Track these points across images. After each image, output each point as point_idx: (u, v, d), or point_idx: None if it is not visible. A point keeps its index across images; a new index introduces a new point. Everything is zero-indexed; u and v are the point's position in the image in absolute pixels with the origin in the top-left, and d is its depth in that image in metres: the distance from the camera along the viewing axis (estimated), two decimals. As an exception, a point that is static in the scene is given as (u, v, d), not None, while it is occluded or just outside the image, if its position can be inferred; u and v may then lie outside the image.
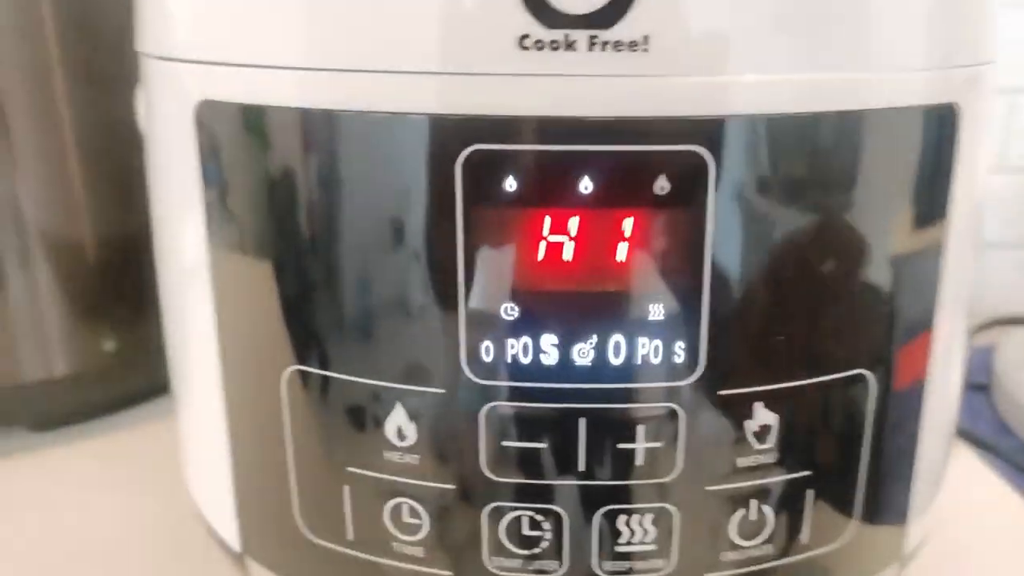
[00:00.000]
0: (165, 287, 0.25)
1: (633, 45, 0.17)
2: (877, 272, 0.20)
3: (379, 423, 0.20)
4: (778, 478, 0.21)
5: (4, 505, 0.37)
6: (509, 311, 0.19)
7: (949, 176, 0.20)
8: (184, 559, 0.33)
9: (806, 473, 0.21)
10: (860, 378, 0.20)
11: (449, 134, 0.18)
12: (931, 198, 0.20)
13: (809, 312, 0.20)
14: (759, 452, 0.20)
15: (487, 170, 0.18)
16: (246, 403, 0.22)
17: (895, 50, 0.19)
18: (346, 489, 0.21)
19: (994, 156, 0.68)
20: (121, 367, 0.43)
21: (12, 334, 0.41)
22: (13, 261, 0.40)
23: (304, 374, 0.21)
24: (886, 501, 0.22)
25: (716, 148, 0.18)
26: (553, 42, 0.17)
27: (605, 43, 0.17)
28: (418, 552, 0.21)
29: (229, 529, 0.24)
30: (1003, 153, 0.69)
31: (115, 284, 0.43)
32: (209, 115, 0.20)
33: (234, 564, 0.28)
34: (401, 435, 0.20)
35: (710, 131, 0.17)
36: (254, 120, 0.19)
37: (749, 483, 0.20)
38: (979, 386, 0.57)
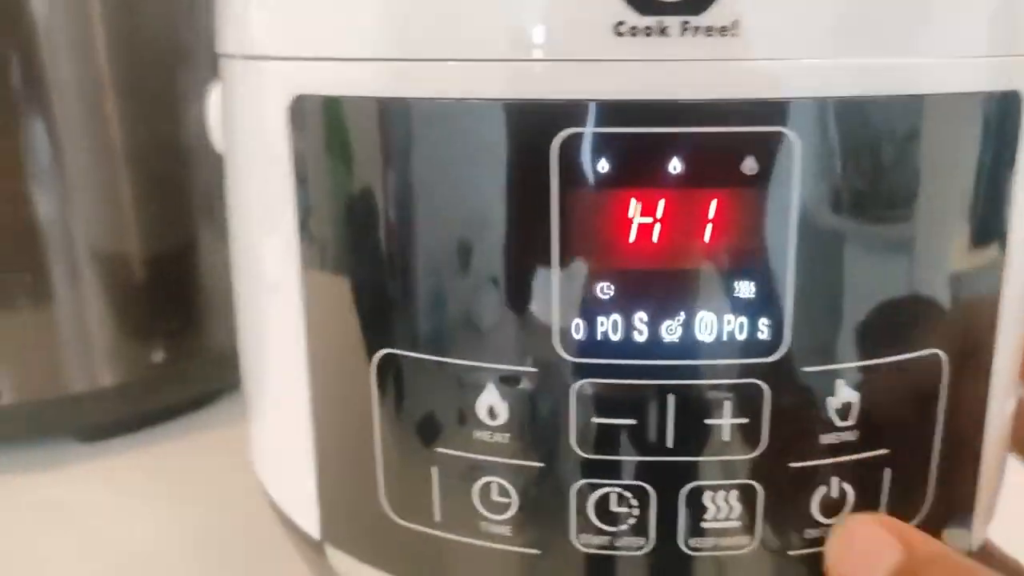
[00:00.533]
0: (246, 283, 0.26)
1: (723, 30, 0.18)
2: (948, 253, 0.21)
3: (471, 403, 0.21)
4: (859, 455, 0.21)
5: (52, 516, 0.38)
6: (603, 290, 0.19)
7: (1015, 165, 0.21)
8: (230, 570, 0.33)
9: (885, 451, 0.21)
10: (934, 357, 0.21)
11: (546, 119, 0.19)
12: (997, 181, 0.21)
13: (887, 290, 0.20)
14: (841, 429, 0.21)
15: (582, 153, 0.19)
16: (333, 391, 0.23)
17: (957, 36, 0.20)
18: (434, 470, 0.22)
19: None
20: (167, 378, 0.44)
21: (59, 346, 0.41)
22: (62, 274, 0.41)
23: (395, 357, 0.21)
24: (957, 483, 0.23)
25: (802, 129, 0.18)
26: (647, 28, 0.18)
27: (697, 28, 0.18)
28: (506, 531, 0.21)
29: (309, 518, 0.24)
30: None
31: (162, 297, 0.43)
32: (305, 109, 0.21)
33: (286, 566, 0.28)
34: (492, 414, 0.21)
35: (797, 112, 0.18)
36: (353, 111, 0.20)
37: (831, 460, 0.21)
38: None
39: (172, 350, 0.44)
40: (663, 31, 0.18)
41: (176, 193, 0.44)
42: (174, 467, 0.41)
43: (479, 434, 0.21)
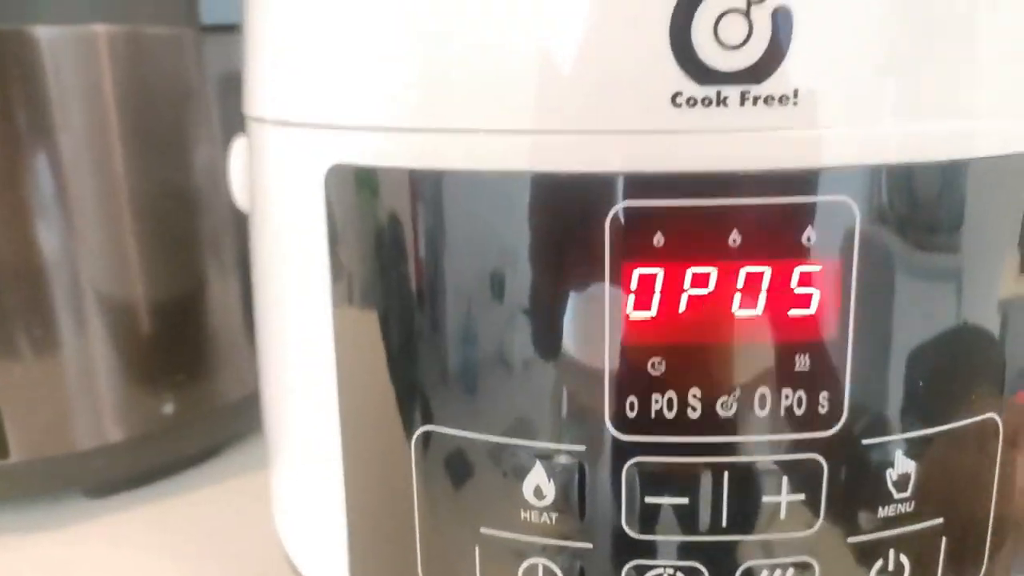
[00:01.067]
0: (276, 346, 0.25)
1: (784, 99, 0.17)
2: (996, 318, 0.20)
3: (517, 482, 0.20)
4: (916, 526, 0.20)
5: (61, 574, 0.37)
6: (656, 366, 0.19)
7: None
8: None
9: (940, 520, 0.21)
10: (990, 422, 0.20)
11: (601, 191, 0.18)
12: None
13: (945, 358, 0.20)
14: (899, 501, 0.20)
15: (637, 226, 0.18)
16: (369, 466, 0.22)
17: (1005, 97, 0.19)
18: (477, 551, 0.21)
19: None
20: (176, 430, 0.43)
21: (67, 400, 0.40)
22: (68, 326, 0.40)
23: (437, 435, 0.20)
24: (1014, 549, 0.22)
25: (861, 196, 0.18)
26: (705, 99, 0.17)
27: (756, 98, 0.17)
28: (553, 614, 0.20)
29: (339, 590, 0.24)
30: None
31: (170, 348, 0.42)
32: (340, 178, 0.20)
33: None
34: (540, 494, 0.20)
35: (858, 180, 0.18)
36: (394, 183, 0.20)
37: (889, 532, 0.20)
38: None
39: (181, 401, 0.43)
40: (722, 101, 0.17)
41: (183, 241, 0.43)
42: (184, 521, 0.40)
43: (525, 514, 0.20)
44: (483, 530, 0.20)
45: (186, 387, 0.43)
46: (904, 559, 0.21)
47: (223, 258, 0.43)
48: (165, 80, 0.42)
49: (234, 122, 0.28)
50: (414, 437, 0.21)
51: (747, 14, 0.17)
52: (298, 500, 0.25)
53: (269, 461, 0.27)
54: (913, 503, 0.20)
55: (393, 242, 0.20)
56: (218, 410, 0.44)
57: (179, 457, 0.44)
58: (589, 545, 0.20)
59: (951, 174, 0.18)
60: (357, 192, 0.20)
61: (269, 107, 0.22)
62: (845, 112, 0.18)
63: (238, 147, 0.27)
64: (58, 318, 0.40)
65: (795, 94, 0.17)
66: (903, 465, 0.20)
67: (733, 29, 0.17)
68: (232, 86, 0.29)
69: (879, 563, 0.20)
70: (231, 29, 0.30)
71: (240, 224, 0.28)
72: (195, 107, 0.42)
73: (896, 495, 0.20)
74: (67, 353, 0.40)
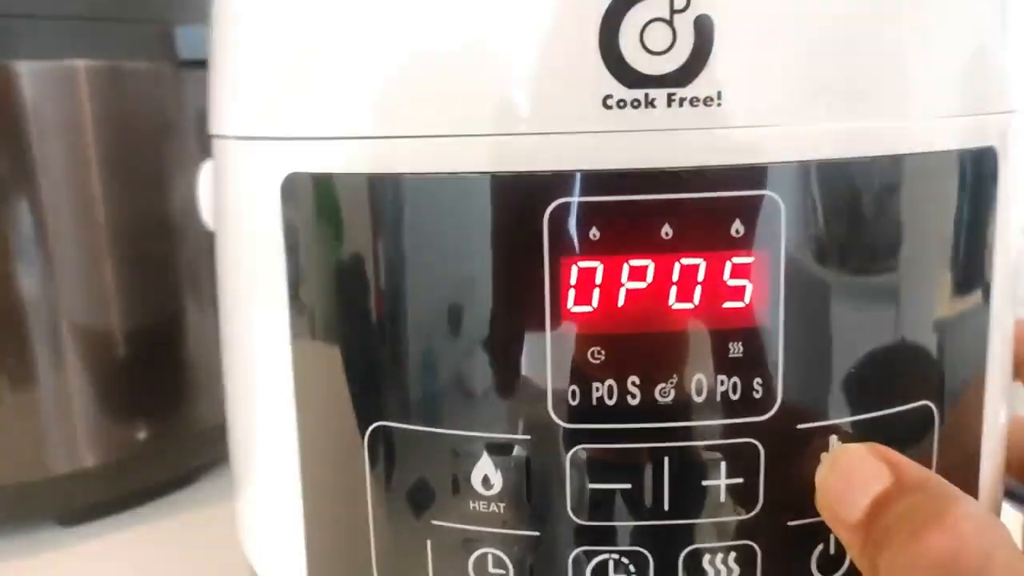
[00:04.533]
0: (235, 356, 0.26)
1: (708, 101, 0.18)
2: (933, 305, 0.21)
3: (465, 474, 0.21)
4: (854, 513, 0.21)
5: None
6: (595, 355, 0.20)
7: (993, 217, 0.22)
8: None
9: (879, 507, 0.21)
10: (925, 410, 0.21)
11: (537, 190, 0.19)
12: (977, 233, 0.22)
13: (875, 344, 0.21)
14: (836, 486, 0.21)
15: (572, 222, 0.19)
16: (324, 464, 0.23)
17: (933, 97, 0.20)
18: (429, 543, 0.21)
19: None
20: (151, 457, 0.43)
21: (42, 427, 0.40)
22: (44, 353, 0.40)
23: (388, 430, 0.21)
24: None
25: (785, 191, 0.19)
26: (634, 101, 0.18)
27: (682, 100, 0.18)
28: (504, 603, 0.21)
29: (300, 595, 0.24)
30: None
31: (145, 375, 0.43)
32: (296, 186, 0.21)
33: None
34: (487, 484, 0.21)
35: (779, 176, 0.19)
36: (343, 187, 0.21)
37: (828, 518, 0.21)
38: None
39: (155, 428, 0.43)
40: (650, 103, 0.18)
41: (161, 270, 0.44)
42: (159, 549, 0.40)
43: (475, 504, 0.21)
44: (434, 522, 0.21)
45: (161, 414, 0.43)
46: (845, 545, 0.21)
47: (200, 288, 0.44)
48: (144, 114, 0.43)
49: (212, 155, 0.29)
50: (366, 434, 0.21)
51: (671, 22, 0.18)
52: (258, 509, 0.26)
53: (234, 477, 0.28)
54: (851, 489, 0.21)
55: (348, 245, 0.21)
56: (193, 437, 0.44)
57: (153, 484, 0.44)
58: (537, 533, 0.21)
59: (873, 171, 0.20)
60: (311, 198, 0.21)
61: (229, 123, 0.23)
62: (767, 112, 0.19)
63: (206, 169, 0.28)
64: (33, 345, 0.40)
65: (719, 96, 0.18)
66: (839, 450, 0.21)
67: (658, 36, 0.18)
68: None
69: (820, 547, 0.21)
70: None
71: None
72: (174, 141, 0.43)
73: (833, 480, 0.21)
74: (42, 380, 0.40)
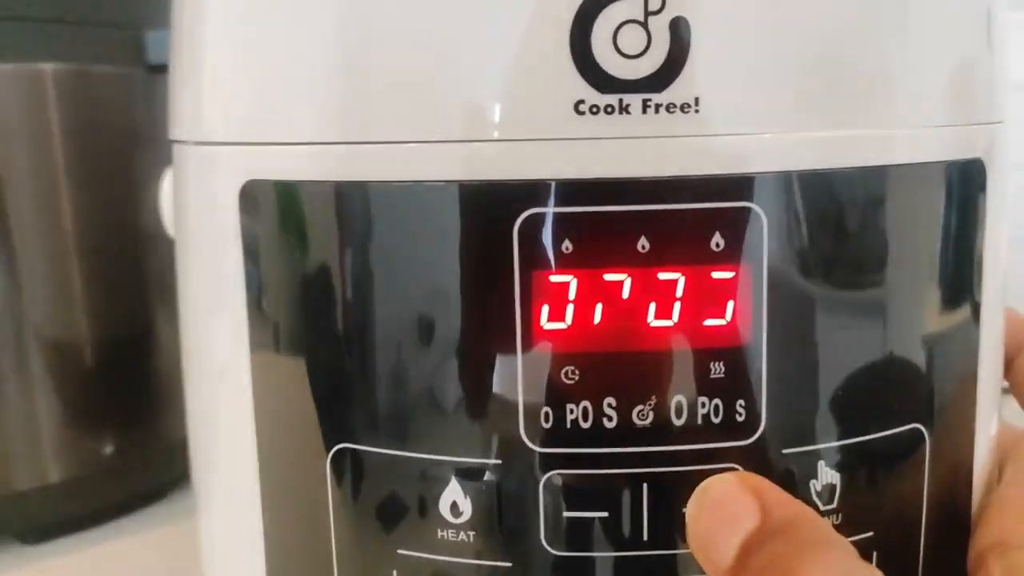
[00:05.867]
0: (195, 369, 0.24)
1: (685, 107, 0.17)
2: (921, 320, 0.20)
3: (433, 499, 0.19)
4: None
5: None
6: (569, 375, 0.18)
7: (982, 230, 0.21)
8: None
9: (870, 534, 0.20)
10: (916, 433, 0.20)
11: (507, 200, 0.18)
12: (964, 247, 0.21)
13: (862, 363, 0.20)
14: (825, 513, 0.20)
15: (544, 233, 0.18)
16: (285, 487, 0.22)
17: (918, 107, 0.20)
18: (395, 573, 0.20)
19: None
20: (118, 472, 0.42)
21: (6, 439, 0.39)
22: (10, 364, 0.39)
23: (351, 452, 0.20)
24: (946, 560, 0.22)
25: (767, 203, 0.18)
26: (608, 107, 0.17)
27: (658, 106, 0.17)
28: (474, 637, 0.20)
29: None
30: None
31: (113, 387, 0.42)
32: (256, 194, 0.20)
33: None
34: (456, 511, 0.19)
35: (761, 186, 0.18)
36: (307, 196, 0.19)
37: (814, 546, 0.20)
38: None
39: (124, 441, 0.42)
40: (624, 109, 0.17)
41: (129, 281, 0.43)
42: (127, 568, 0.39)
43: (443, 532, 0.20)
44: (400, 551, 0.20)
45: (129, 427, 0.42)
46: (832, 573, 0.20)
47: (170, 298, 0.42)
48: (112, 119, 0.41)
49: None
50: (329, 456, 0.20)
51: (645, 24, 0.17)
52: (217, 530, 0.25)
53: (195, 496, 0.26)
54: (840, 515, 0.20)
55: (311, 255, 0.20)
56: (162, 451, 0.43)
57: (121, 500, 0.43)
58: (508, 564, 0.20)
59: (859, 181, 0.19)
60: (273, 206, 0.20)
61: (188, 128, 0.22)
62: (747, 120, 0.18)
63: (167, 175, 0.27)
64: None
65: (696, 102, 0.17)
66: (827, 476, 0.20)
67: (632, 39, 0.17)
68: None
69: (806, 578, 0.20)
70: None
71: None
72: (143, 148, 0.42)
73: (822, 507, 0.20)
74: (6, 392, 0.39)
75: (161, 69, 0.41)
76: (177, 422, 0.43)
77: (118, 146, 0.42)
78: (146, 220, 0.42)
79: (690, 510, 0.18)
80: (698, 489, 0.18)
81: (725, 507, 0.18)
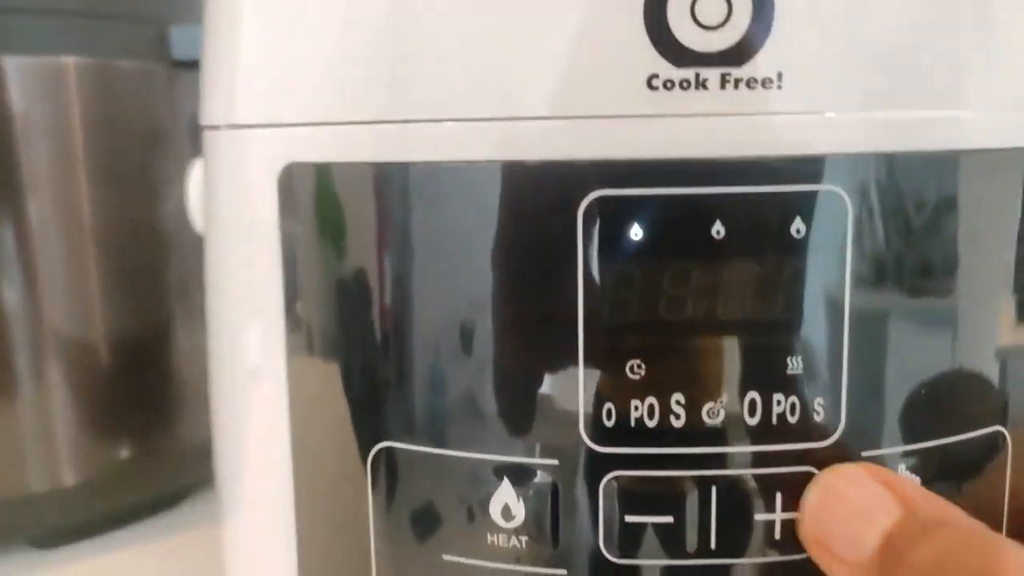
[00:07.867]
0: (224, 372, 0.23)
1: (767, 83, 0.16)
2: (1003, 322, 0.19)
3: (482, 502, 0.18)
4: (921, 550, 0.19)
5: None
6: (635, 369, 0.17)
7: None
8: None
9: (948, 544, 0.19)
10: (998, 436, 0.19)
11: (571, 181, 0.17)
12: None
13: (944, 365, 0.18)
14: (901, 520, 0.18)
15: (612, 217, 0.17)
16: (321, 491, 0.20)
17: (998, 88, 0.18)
18: (441, 581, 0.19)
19: None
20: (133, 476, 0.41)
21: (20, 441, 0.38)
22: (25, 365, 0.38)
23: (393, 452, 0.19)
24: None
25: (853, 186, 0.17)
26: (684, 81, 0.16)
27: (738, 81, 0.16)
28: (525, 651, 0.18)
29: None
30: None
31: (129, 390, 0.41)
32: (295, 179, 0.19)
33: None
34: (508, 515, 0.18)
35: (849, 170, 0.17)
36: (353, 177, 0.18)
37: (891, 557, 0.18)
38: None
39: (140, 446, 0.41)
40: (701, 84, 0.16)
41: (148, 281, 0.42)
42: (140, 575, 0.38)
43: (493, 538, 0.18)
44: (445, 557, 0.19)
45: (145, 431, 0.41)
46: (909, 587, 0.19)
47: (189, 299, 0.42)
48: (135, 115, 0.41)
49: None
50: (370, 455, 0.19)
51: (725, -8, 0.16)
52: (246, 539, 0.23)
53: (220, 504, 0.25)
54: (917, 523, 0.19)
55: (352, 243, 0.19)
56: (178, 456, 0.42)
57: (135, 505, 0.42)
58: (563, 572, 0.18)
59: (942, 164, 0.17)
60: (312, 192, 0.19)
61: (221, 111, 0.21)
62: (833, 97, 0.17)
63: (197, 167, 0.26)
64: (13, 357, 0.38)
65: (779, 77, 0.16)
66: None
67: (711, 8, 0.16)
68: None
69: (882, 592, 0.19)
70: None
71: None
72: (165, 144, 0.41)
73: (899, 514, 0.18)
74: (23, 394, 0.38)
75: (185, 64, 0.41)
76: (195, 427, 0.42)
77: (140, 142, 0.41)
78: (167, 219, 0.41)
79: (810, 502, 0.17)
80: (816, 481, 0.17)
81: (853, 499, 0.16)
